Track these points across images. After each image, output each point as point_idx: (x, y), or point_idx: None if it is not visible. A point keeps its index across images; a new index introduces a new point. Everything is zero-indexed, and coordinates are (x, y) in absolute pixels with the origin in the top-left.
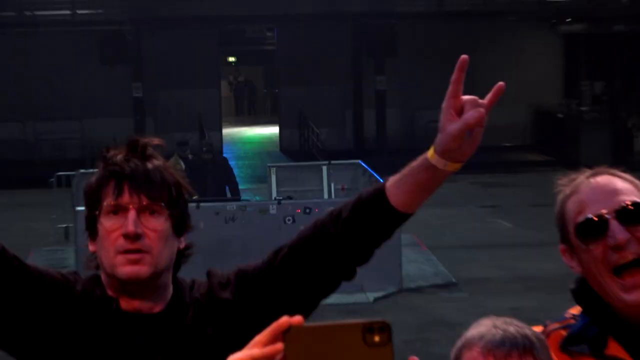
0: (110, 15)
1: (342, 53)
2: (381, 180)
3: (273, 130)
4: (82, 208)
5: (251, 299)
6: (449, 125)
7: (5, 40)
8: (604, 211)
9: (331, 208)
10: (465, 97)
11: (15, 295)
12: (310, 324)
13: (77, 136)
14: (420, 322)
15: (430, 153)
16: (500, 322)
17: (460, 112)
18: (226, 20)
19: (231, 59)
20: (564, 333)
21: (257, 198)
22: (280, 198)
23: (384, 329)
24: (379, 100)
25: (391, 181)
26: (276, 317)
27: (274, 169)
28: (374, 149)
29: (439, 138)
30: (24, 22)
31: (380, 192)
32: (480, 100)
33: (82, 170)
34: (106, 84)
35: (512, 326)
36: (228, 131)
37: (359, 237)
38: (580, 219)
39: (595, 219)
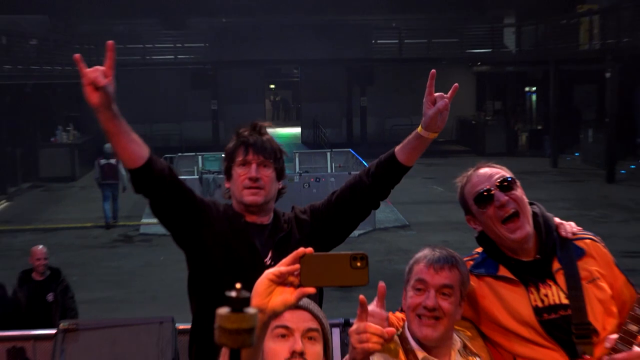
0: (198, 59)
1: (340, 82)
2: (364, 163)
3: (297, 130)
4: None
5: (319, 219)
6: (428, 111)
7: (133, 73)
8: (488, 186)
9: (360, 170)
10: (436, 94)
11: (188, 209)
12: (317, 253)
13: (177, 133)
14: (387, 250)
15: (419, 129)
16: (437, 248)
17: (434, 102)
18: (268, 62)
19: (272, 85)
20: (471, 262)
21: (287, 172)
22: (301, 172)
23: (363, 257)
24: (362, 112)
25: (397, 148)
26: (332, 231)
27: (297, 153)
28: (359, 142)
29: (423, 119)
30: (146, 63)
31: (392, 155)
32: (445, 95)
33: (179, 154)
34: (194, 101)
35: (444, 250)
36: (269, 131)
37: (382, 182)
38: (476, 192)
39: (485, 193)
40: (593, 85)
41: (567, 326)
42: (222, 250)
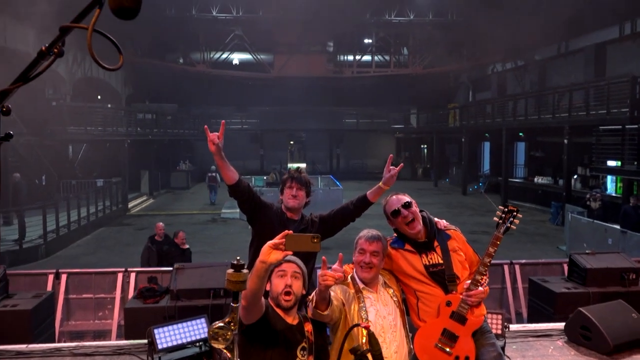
0: (253, 127)
1: (326, 141)
2: (338, 183)
3: (304, 165)
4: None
5: (323, 223)
6: (386, 175)
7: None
8: (398, 207)
9: (348, 201)
10: (390, 167)
11: (253, 206)
12: (294, 233)
13: (242, 166)
14: (346, 230)
15: (380, 184)
16: (371, 230)
17: (389, 171)
18: (290, 130)
19: (291, 142)
20: (390, 240)
21: None
22: None
23: (317, 237)
24: (337, 156)
25: (368, 193)
26: (329, 230)
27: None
28: (335, 172)
29: (383, 179)
30: (227, 130)
31: (365, 196)
32: (395, 168)
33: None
34: (251, 150)
35: (375, 231)
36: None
37: (358, 210)
38: (392, 210)
39: (397, 210)
40: (455, 145)
41: (442, 275)
42: (271, 229)
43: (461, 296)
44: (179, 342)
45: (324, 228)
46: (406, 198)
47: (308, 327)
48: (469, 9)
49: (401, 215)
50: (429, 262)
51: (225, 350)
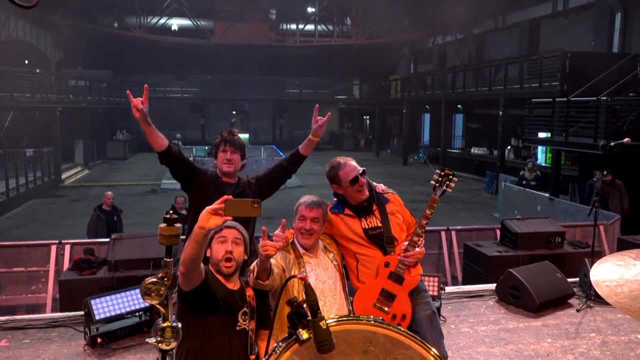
0: (193, 96)
1: (269, 111)
2: (281, 153)
3: (246, 135)
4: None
5: (259, 184)
6: (314, 126)
7: (158, 102)
8: (357, 174)
9: (282, 157)
10: (318, 117)
11: (187, 172)
12: (234, 198)
13: (181, 136)
14: (283, 201)
15: (310, 136)
16: (311, 196)
17: (317, 122)
18: (232, 100)
19: (234, 112)
20: (330, 205)
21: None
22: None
23: (258, 202)
24: (280, 127)
25: (300, 147)
26: (266, 190)
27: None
28: (278, 142)
29: (312, 131)
30: (166, 97)
31: (297, 150)
32: (322, 118)
33: (183, 146)
34: (192, 119)
35: (315, 198)
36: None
37: (293, 165)
38: (351, 177)
39: (356, 177)
40: (397, 116)
41: (381, 237)
42: (207, 195)
43: (399, 257)
44: (118, 312)
45: (260, 189)
46: (357, 165)
47: (249, 292)
48: None
49: (358, 183)
50: (368, 225)
51: (158, 306)
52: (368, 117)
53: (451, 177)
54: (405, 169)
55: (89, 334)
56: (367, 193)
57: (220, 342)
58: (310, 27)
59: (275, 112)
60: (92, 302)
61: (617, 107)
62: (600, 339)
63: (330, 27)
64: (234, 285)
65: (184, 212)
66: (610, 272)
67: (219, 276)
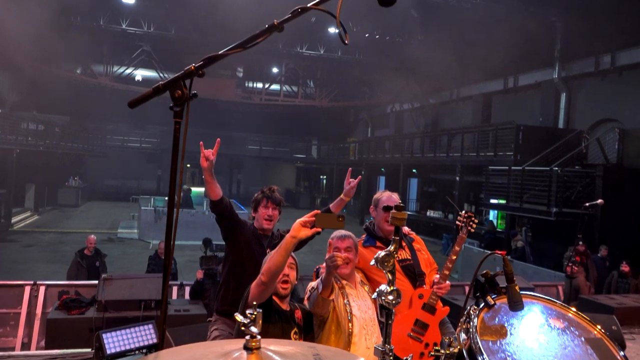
0: (152, 146)
1: (226, 167)
2: (241, 207)
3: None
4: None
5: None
6: (347, 187)
7: (115, 151)
8: (392, 204)
9: None
10: (350, 180)
11: (232, 222)
12: (323, 212)
13: (137, 185)
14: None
15: (342, 196)
16: (341, 232)
17: (349, 184)
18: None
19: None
20: (361, 241)
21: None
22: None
23: (343, 216)
24: (237, 182)
25: (332, 205)
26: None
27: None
28: (235, 197)
29: (344, 191)
30: (124, 146)
31: (329, 208)
32: (354, 180)
33: (140, 196)
34: (149, 169)
35: (345, 232)
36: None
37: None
38: (386, 204)
39: (389, 206)
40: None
41: (412, 269)
42: (248, 245)
43: (433, 289)
44: (128, 347)
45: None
46: (398, 201)
47: (298, 314)
48: (373, 52)
49: (389, 214)
50: (399, 257)
51: (388, 273)
52: (325, 176)
53: (473, 218)
54: (362, 228)
55: None
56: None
57: None
58: (275, 86)
59: (233, 166)
60: (104, 336)
61: (566, 178)
62: None
63: (295, 89)
64: (286, 306)
65: (92, 253)
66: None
67: (274, 297)
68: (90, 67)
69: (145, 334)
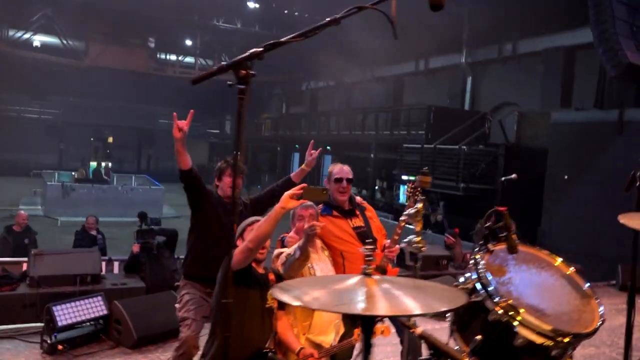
0: (51, 115)
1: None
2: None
3: None
4: None
5: (254, 204)
6: (309, 158)
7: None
8: (345, 177)
9: (274, 184)
10: (312, 151)
11: (200, 192)
12: (310, 186)
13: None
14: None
15: (303, 166)
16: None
17: (310, 155)
18: (98, 124)
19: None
20: (320, 209)
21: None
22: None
23: (326, 190)
24: (148, 161)
25: (292, 174)
26: (259, 209)
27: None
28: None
29: (305, 162)
30: None
31: (289, 178)
32: (314, 152)
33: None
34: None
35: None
36: None
37: (284, 190)
38: (337, 176)
39: (341, 177)
40: (267, 153)
41: (365, 235)
42: (215, 213)
43: (384, 252)
44: (79, 319)
45: (254, 208)
46: (350, 174)
47: (271, 277)
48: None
49: (341, 185)
50: (353, 225)
51: (418, 222)
52: (239, 152)
53: (418, 190)
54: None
55: (49, 341)
56: (344, 198)
57: (257, 319)
58: (190, 59)
59: (142, 141)
60: (54, 308)
61: (472, 156)
62: None
63: (211, 62)
64: (262, 270)
65: (93, 232)
66: None
67: (252, 262)
68: None
69: (95, 305)
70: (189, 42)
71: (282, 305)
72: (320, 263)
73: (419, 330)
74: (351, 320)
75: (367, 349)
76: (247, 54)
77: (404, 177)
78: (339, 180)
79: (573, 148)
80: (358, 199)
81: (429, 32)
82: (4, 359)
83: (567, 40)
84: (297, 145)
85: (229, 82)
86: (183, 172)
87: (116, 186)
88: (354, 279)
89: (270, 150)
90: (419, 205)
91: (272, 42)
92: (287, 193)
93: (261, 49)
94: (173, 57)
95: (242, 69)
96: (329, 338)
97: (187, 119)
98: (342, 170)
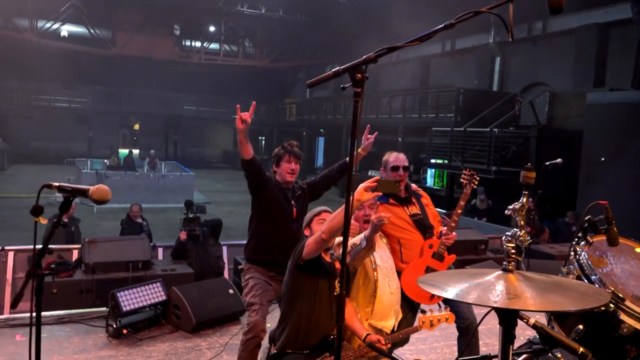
0: (81, 104)
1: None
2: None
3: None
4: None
5: (310, 187)
6: (365, 142)
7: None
8: (401, 165)
9: (329, 168)
10: (369, 135)
11: (262, 179)
12: (383, 179)
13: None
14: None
15: (359, 150)
16: None
17: (367, 139)
18: (125, 111)
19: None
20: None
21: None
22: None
23: (399, 181)
24: (175, 144)
25: (348, 159)
26: (315, 194)
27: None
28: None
29: (362, 146)
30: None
31: (345, 162)
32: (370, 136)
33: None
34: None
35: None
36: None
37: (340, 174)
38: (394, 165)
39: (397, 166)
40: (292, 138)
41: (422, 222)
42: (275, 199)
43: (442, 239)
44: (141, 304)
45: (311, 192)
46: (406, 162)
47: (337, 265)
48: (316, 12)
49: (397, 173)
50: (410, 212)
51: (521, 218)
52: (264, 137)
53: (475, 176)
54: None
55: (115, 325)
56: (401, 187)
57: (326, 305)
58: (214, 45)
59: (169, 128)
60: (119, 294)
61: (503, 139)
62: None
63: (235, 48)
64: (328, 259)
65: (139, 220)
66: None
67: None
68: (12, 21)
69: (155, 291)
70: (212, 28)
71: (347, 293)
72: (379, 250)
73: (532, 320)
74: (409, 307)
75: (509, 339)
76: (362, 59)
77: (432, 161)
78: (395, 169)
79: (609, 130)
80: (413, 186)
81: (455, 12)
82: (73, 343)
83: (601, 17)
84: (322, 130)
85: (342, 86)
86: (245, 161)
87: (147, 173)
88: (493, 274)
89: (295, 135)
90: (523, 199)
91: (386, 47)
92: (361, 185)
93: (375, 54)
94: (198, 44)
95: (358, 72)
96: (390, 323)
97: (249, 111)
98: (397, 158)
